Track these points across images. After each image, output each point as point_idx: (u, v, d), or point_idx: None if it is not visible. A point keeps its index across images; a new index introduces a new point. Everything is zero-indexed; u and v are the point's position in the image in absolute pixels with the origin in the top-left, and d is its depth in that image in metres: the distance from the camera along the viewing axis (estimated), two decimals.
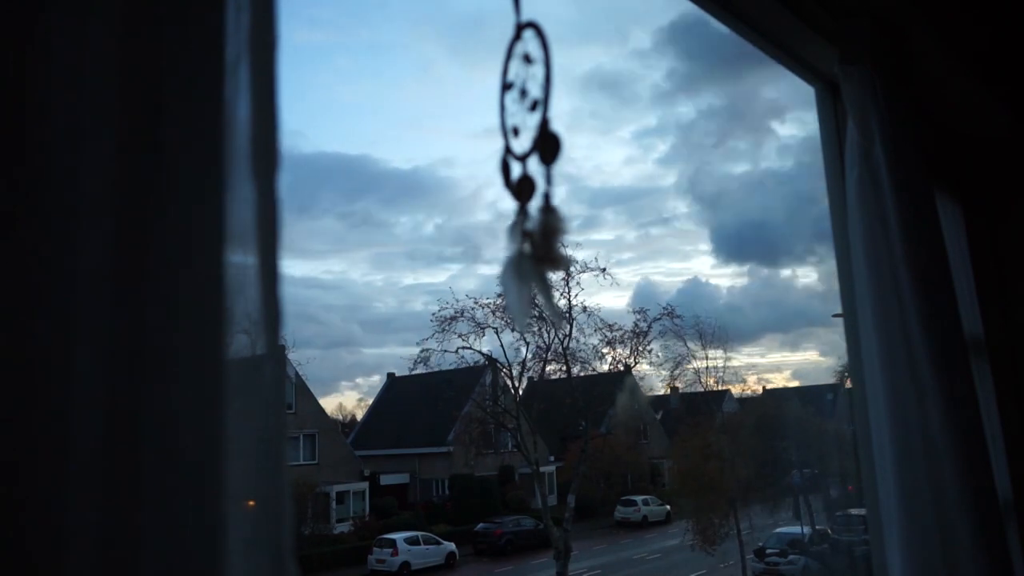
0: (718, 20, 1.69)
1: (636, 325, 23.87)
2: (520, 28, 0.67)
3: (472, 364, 23.58)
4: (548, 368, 23.74)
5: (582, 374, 24.16)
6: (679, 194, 44.03)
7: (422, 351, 22.89)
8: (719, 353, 28.03)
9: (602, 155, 43.86)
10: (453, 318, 22.72)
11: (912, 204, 1.62)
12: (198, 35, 0.58)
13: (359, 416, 39.13)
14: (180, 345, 0.54)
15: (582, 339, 23.61)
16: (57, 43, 0.51)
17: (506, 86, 0.68)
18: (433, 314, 22.87)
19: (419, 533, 25.62)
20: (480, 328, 22.72)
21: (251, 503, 0.59)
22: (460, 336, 22.64)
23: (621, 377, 27.06)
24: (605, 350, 23.59)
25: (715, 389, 28.51)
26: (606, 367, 24.32)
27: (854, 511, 21.58)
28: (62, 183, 0.51)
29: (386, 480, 31.43)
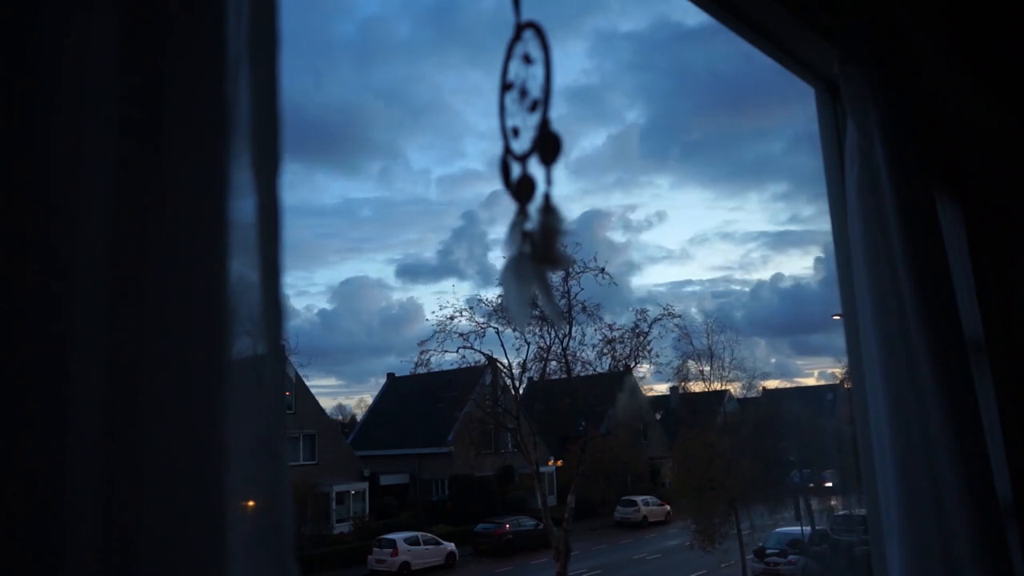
0: (718, 20, 1.69)
1: (636, 325, 23.90)
2: (520, 28, 0.67)
3: (473, 364, 23.60)
4: (548, 368, 23.77)
5: (582, 374, 24.17)
6: None
7: (422, 353, 22.94)
8: (727, 353, 28.07)
9: None
10: (453, 317, 22.75)
11: (912, 204, 1.62)
12: (199, 35, 0.58)
13: (359, 416, 39.17)
14: (181, 346, 0.54)
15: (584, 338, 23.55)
16: (57, 44, 0.51)
17: (506, 86, 0.68)
18: (433, 312, 22.92)
19: (419, 533, 25.61)
20: (481, 327, 22.74)
21: (251, 503, 0.59)
22: (461, 335, 22.67)
23: (621, 377, 27.04)
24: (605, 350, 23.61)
25: (716, 389, 28.53)
26: (606, 367, 24.33)
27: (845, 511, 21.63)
28: (63, 184, 0.51)
29: (386, 480, 31.41)
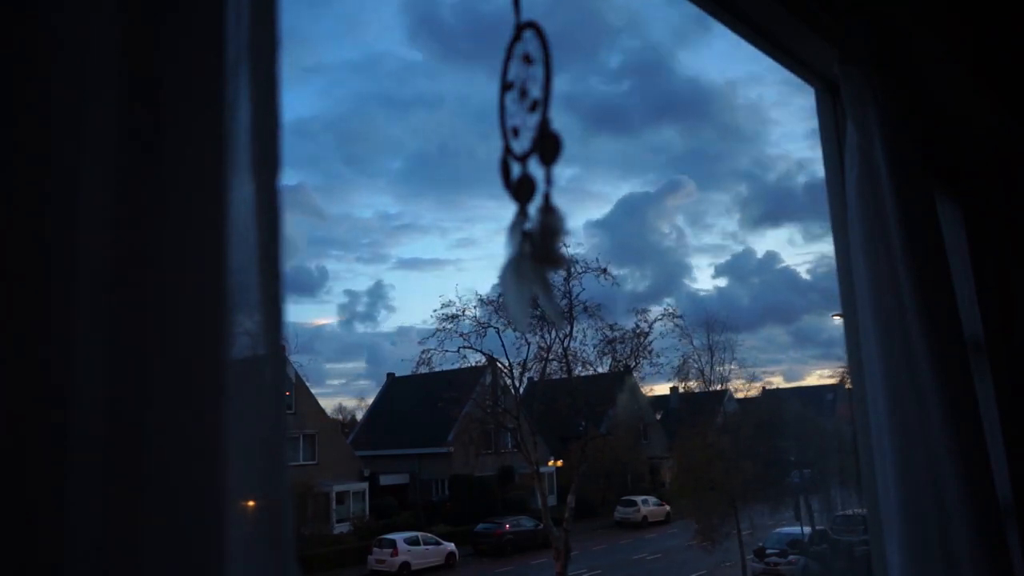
0: (718, 20, 1.68)
1: (637, 325, 23.89)
2: (520, 28, 0.67)
3: (473, 364, 23.61)
4: (549, 368, 23.77)
5: (583, 374, 24.18)
6: None
7: (423, 352, 22.96)
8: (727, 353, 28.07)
9: None
10: (455, 316, 22.76)
11: (912, 204, 1.62)
12: (198, 36, 0.58)
13: (359, 416, 39.17)
14: (181, 346, 0.54)
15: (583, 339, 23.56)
16: (57, 44, 0.51)
17: (506, 86, 0.68)
18: (434, 311, 23.00)
19: (419, 533, 25.61)
20: (482, 327, 22.75)
21: (251, 503, 0.59)
22: (461, 335, 22.68)
23: (621, 377, 27.04)
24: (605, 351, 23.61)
25: (716, 389, 28.53)
26: (606, 367, 24.33)
27: (848, 511, 21.66)
28: (63, 184, 0.51)
29: (386, 480, 31.40)
